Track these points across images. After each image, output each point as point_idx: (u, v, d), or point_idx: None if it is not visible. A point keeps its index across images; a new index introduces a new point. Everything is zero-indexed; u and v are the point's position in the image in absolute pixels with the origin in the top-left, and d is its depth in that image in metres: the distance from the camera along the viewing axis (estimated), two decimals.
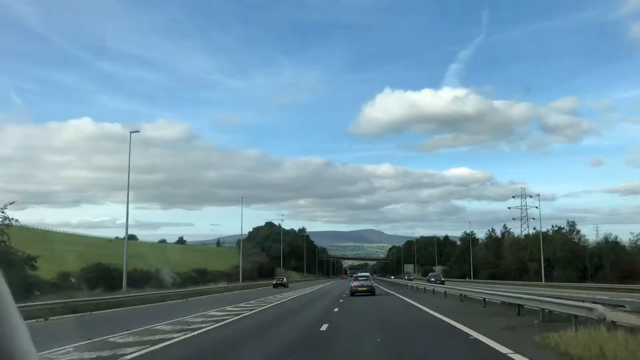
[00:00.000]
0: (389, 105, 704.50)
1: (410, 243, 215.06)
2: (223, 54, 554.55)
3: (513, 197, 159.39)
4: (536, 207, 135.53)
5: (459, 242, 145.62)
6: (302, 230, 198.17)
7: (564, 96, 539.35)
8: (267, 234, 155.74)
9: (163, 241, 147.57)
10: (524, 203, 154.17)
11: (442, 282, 59.75)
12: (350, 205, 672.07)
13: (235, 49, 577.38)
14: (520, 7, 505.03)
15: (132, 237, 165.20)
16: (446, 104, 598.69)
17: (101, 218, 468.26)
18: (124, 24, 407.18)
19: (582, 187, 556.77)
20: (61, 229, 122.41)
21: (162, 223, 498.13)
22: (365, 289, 37.58)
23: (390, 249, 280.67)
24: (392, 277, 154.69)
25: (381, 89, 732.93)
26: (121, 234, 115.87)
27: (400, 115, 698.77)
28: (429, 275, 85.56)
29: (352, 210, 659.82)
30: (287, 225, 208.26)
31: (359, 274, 46.69)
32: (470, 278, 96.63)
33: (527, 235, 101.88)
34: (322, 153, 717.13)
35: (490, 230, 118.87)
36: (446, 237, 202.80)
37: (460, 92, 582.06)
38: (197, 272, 67.90)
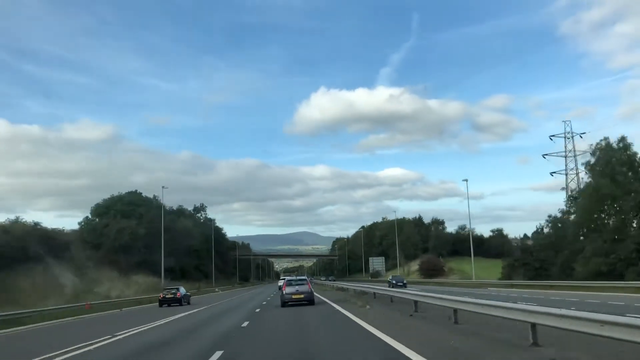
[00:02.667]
0: (324, 104, 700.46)
1: (371, 228, 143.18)
2: (154, 56, 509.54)
3: (551, 137, 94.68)
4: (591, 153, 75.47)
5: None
6: (200, 208, 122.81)
7: (495, 94, 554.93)
8: (120, 210, 79.55)
9: None
10: (569, 146, 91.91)
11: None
12: (286, 208, 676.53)
13: (166, 50, 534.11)
14: (448, 13, 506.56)
15: None
16: (381, 103, 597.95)
17: None
18: (48, 24, 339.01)
19: (509, 186, 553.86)
20: None
21: None
22: (302, 296, 27.40)
23: (335, 242, 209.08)
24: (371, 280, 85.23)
25: (316, 89, 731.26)
26: None
27: (335, 115, 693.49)
28: None
29: (287, 213, 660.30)
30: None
31: (292, 278, 33.89)
32: None
33: None
34: (258, 155, 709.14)
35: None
36: (419, 218, 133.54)
37: (395, 91, 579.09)
38: None
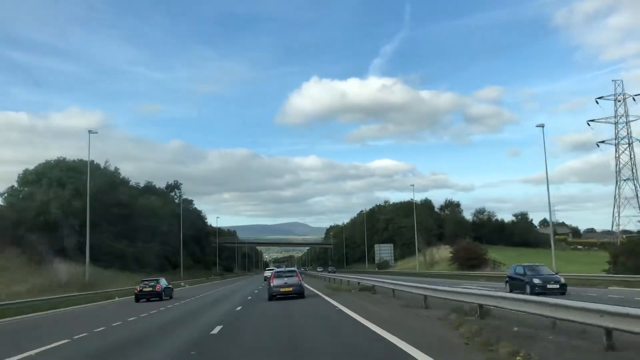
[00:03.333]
0: (316, 94, 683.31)
1: (373, 212, 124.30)
2: (144, 44, 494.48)
3: (597, 100, 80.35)
4: None
5: None
6: (174, 186, 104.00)
7: (488, 85, 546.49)
8: (55, 177, 60.51)
9: None
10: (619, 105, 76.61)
11: None
12: (276, 199, 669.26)
13: (156, 39, 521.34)
14: (440, 4, 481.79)
15: None
16: (373, 93, 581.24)
17: None
18: (36, 11, 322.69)
19: (499, 178, 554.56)
20: None
21: None
22: (291, 289, 25.86)
23: (329, 229, 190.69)
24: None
25: (308, 78, 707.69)
26: None
27: (327, 105, 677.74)
28: None
29: (278, 204, 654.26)
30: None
31: (281, 269, 33.59)
32: None
33: None
34: (248, 145, 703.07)
35: None
36: (429, 201, 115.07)
37: (387, 81, 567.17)
38: None
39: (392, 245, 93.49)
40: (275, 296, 25.51)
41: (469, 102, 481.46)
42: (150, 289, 33.38)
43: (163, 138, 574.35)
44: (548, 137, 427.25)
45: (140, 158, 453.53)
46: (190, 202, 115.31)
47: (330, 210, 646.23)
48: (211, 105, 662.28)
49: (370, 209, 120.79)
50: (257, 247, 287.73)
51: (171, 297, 34.57)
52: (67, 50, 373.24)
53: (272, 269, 55.34)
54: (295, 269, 35.23)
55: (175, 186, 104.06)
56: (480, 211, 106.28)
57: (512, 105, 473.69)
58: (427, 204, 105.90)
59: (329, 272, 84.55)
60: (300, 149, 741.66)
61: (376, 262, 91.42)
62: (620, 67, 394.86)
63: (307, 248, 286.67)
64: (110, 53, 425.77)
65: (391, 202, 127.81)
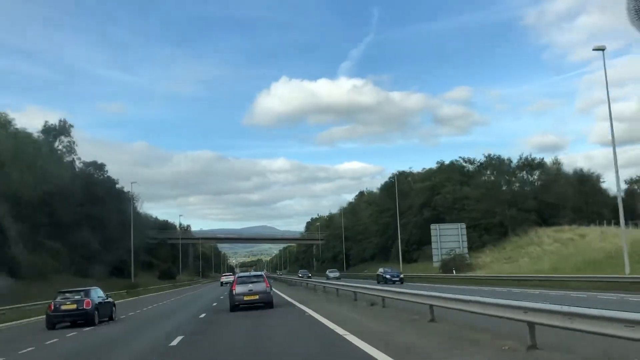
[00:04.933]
0: (285, 95, 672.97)
1: (399, 178, 79.45)
2: (109, 45, 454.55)
3: None
4: None
5: None
6: (61, 129, 58.48)
7: (457, 86, 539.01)
8: None
9: None
10: None
11: None
12: (243, 202, 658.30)
13: (121, 39, 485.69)
14: (410, 8, 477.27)
15: None
16: (343, 94, 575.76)
17: None
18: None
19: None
20: None
21: None
22: (257, 297, 22.50)
23: (311, 222, 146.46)
24: None
25: (277, 79, 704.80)
26: None
27: (296, 106, 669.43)
28: None
29: (245, 207, 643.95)
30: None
31: (244, 274, 27.78)
32: None
33: None
34: (215, 148, 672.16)
35: None
36: (501, 157, 72.03)
37: (357, 82, 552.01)
38: None
39: (462, 225, 49.57)
40: (238, 306, 22.17)
41: (438, 103, 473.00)
42: (74, 305, 20.41)
43: (127, 139, 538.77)
44: (515, 138, 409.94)
45: (101, 160, 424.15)
46: (112, 180, 70.29)
47: (299, 213, 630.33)
48: (177, 106, 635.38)
49: (390, 177, 76.68)
50: (222, 251, 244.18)
51: (112, 319, 22.19)
52: (27, 50, 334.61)
53: (230, 274, 53.72)
54: (263, 273, 30.84)
55: (60, 131, 58.51)
56: (588, 173, 63.92)
57: (482, 106, 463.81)
58: (502, 161, 62.27)
59: (391, 278, 39.97)
60: (268, 152, 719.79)
61: (438, 258, 47.43)
62: (587, 69, 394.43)
63: (278, 249, 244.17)
64: (72, 53, 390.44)
65: (415, 171, 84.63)
